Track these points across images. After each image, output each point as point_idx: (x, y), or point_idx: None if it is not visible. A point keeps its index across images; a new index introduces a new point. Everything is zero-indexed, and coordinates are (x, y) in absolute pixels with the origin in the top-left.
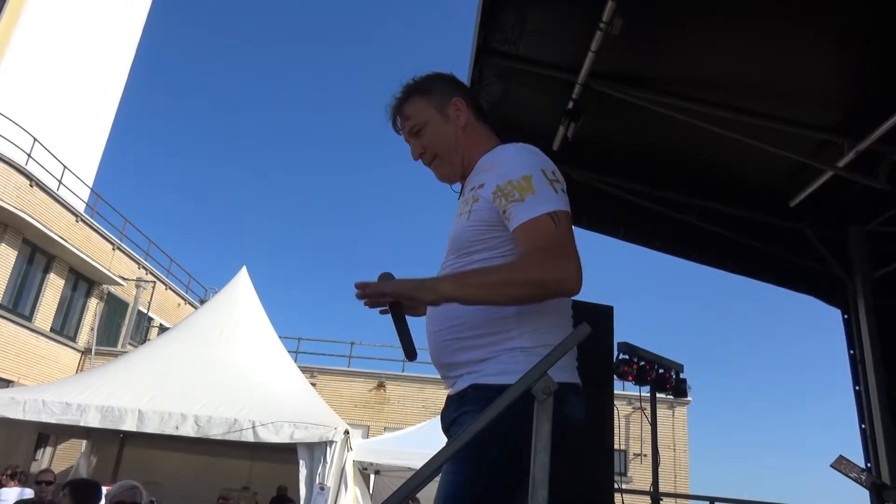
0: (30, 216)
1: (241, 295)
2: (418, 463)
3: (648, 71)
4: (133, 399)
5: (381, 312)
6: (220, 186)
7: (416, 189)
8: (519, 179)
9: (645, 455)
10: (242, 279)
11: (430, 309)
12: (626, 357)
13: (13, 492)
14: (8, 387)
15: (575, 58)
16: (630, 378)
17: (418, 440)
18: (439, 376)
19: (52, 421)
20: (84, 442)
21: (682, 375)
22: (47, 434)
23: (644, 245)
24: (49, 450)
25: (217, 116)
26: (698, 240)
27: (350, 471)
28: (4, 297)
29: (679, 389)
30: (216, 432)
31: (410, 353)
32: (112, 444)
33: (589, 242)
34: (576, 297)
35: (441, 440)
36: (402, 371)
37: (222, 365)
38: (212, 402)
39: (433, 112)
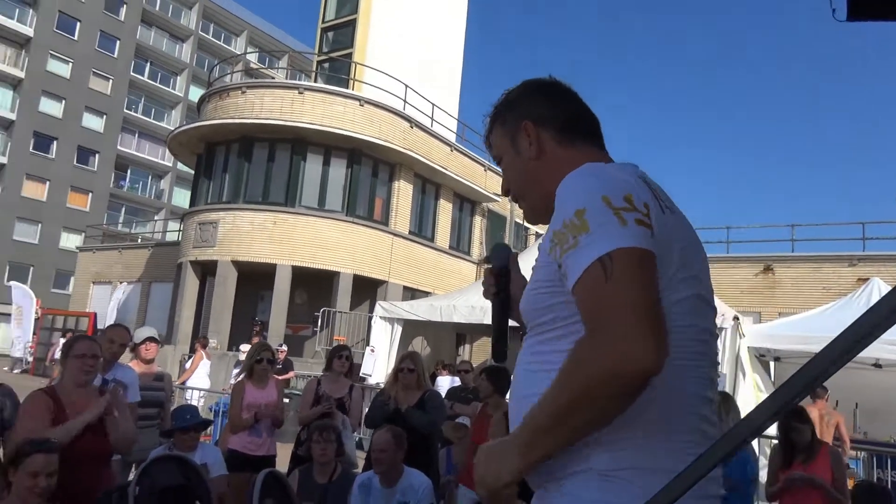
0: (415, 153)
1: None
2: (820, 348)
3: None
4: None
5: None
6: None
7: None
8: (572, 218)
9: None
10: None
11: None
12: None
13: (445, 380)
14: (427, 297)
15: None
16: None
17: (819, 324)
18: (837, 253)
19: (463, 321)
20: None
21: None
22: (463, 333)
23: None
24: (467, 347)
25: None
26: None
27: (746, 357)
28: (411, 224)
29: None
30: None
31: (500, 354)
32: (514, 340)
33: None
34: None
35: (845, 323)
36: (792, 251)
37: None
38: None
39: (507, 143)
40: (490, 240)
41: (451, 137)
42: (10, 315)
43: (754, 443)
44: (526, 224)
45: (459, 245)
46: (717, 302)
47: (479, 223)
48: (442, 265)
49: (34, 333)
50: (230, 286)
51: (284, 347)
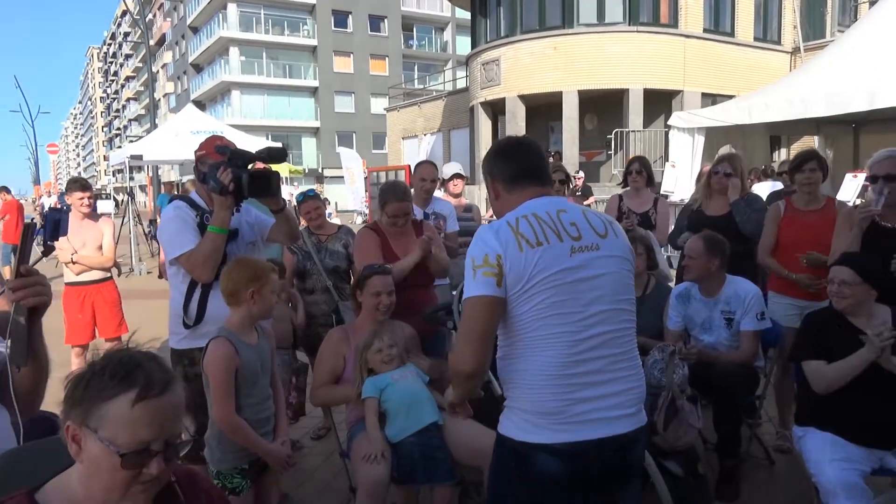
0: None
1: None
2: None
3: None
4: (859, 80)
5: None
6: None
7: None
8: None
9: None
10: None
11: None
12: None
13: (761, 186)
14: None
15: None
16: None
17: None
18: None
19: (779, 119)
20: (815, 138)
21: None
22: (777, 135)
23: None
24: (783, 150)
25: None
26: None
27: None
28: (706, 21)
29: None
30: None
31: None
32: (845, 134)
33: None
34: None
35: None
36: None
37: None
38: None
39: (487, 186)
40: (805, 21)
41: None
42: (343, 177)
43: None
44: None
45: (767, 35)
46: None
47: (790, 4)
48: (746, 62)
49: (366, 190)
50: (520, 121)
51: (581, 174)
